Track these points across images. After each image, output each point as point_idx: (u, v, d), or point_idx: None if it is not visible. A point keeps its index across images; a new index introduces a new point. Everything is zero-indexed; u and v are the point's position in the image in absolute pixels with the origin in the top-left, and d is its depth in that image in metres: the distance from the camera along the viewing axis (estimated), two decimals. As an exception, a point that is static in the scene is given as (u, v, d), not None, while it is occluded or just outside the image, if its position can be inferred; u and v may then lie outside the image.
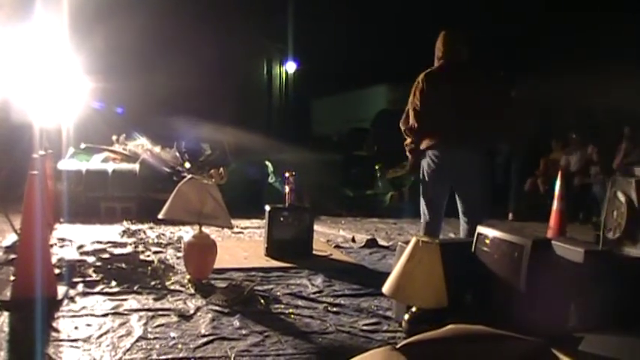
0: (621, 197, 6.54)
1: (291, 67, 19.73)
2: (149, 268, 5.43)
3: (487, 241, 4.00)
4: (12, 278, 4.55)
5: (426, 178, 5.55)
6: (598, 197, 9.54)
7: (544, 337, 2.02)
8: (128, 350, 3.55)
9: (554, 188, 8.22)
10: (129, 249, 6.25)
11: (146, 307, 4.41)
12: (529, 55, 14.77)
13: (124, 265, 5.46)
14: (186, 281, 5.09)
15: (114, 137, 10.58)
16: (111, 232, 7.30)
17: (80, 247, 6.21)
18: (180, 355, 3.52)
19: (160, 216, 5.27)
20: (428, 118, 5.44)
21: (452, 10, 15.11)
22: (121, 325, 3.99)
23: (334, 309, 4.56)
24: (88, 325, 3.97)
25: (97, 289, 4.80)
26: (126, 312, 4.27)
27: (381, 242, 7.49)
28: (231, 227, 6.47)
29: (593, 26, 12.96)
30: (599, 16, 13.05)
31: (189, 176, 6.08)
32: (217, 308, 4.41)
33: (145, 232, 7.36)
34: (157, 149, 10.09)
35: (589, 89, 11.86)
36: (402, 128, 5.65)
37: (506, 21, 14.48)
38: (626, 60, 11.43)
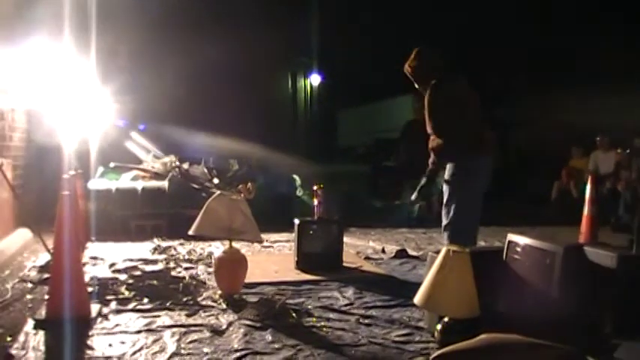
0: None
1: (315, 79, 19.78)
2: (181, 284, 5.45)
3: (518, 249, 3.97)
4: (46, 297, 4.61)
5: (477, 187, 5.47)
6: (629, 201, 9.44)
7: (579, 344, 2.00)
8: (162, 367, 3.57)
9: (585, 193, 8.15)
10: (160, 266, 6.29)
11: (179, 323, 4.42)
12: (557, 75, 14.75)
13: (155, 282, 5.49)
14: (217, 296, 5.11)
15: (141, 156, 10.70)
16: (142, 249, 7.36)
17: (112, 265, 6.27)
18: (214, 370, 3.53)
19: (190, 232, 5.30)
20: (472, 127, 5.43)
21: (473, 21, 15.06)
22: (155, 341, 4.02)
23: (366, 321, 4.55)
24: (122, 342, 4.00)
25: (130, 306, 4.83)
26: (159, 328, 4.29)
27: (411, 252, 7.46)
28: (260, 241, 6.49)
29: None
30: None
31: (218, 192, 6.11)
32: (249, 323, 4.42)
33: (175, 249, 7.40)
34: (185, 166, 10.17)
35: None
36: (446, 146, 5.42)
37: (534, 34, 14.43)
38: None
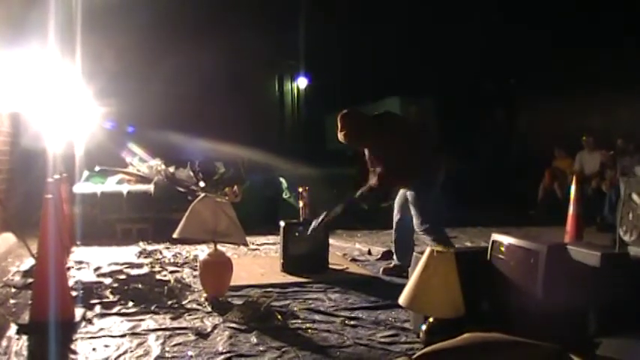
0: (636, 199, 6.50)
1: (302, 82, 19.75)
2: (166, 287, 5.43)
3: (502, 249, 3.97)
4: (30, 302, 4.57)
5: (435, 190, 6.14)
6: (614, 200, 9.48)
7: (561, 342, 2.00)
8: (146, 370, 3.55)
9: (569, 193, 8.18)
10: (145, 269, 6.26)
11: (163, 326, 4.41)
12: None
13: (140, 286, 5.46)
14: (202, 299, 5.10)
15: (128, 159, 10.65)
16: (127, 253, 7.32)
17: (97, 269, 6.22)
18: (198, 373, 3.52)
19: (175, 235, 5.28)
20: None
21: (460, 26, 15.08)
22: (139, 345, 4.00)
23: (351, 322, 4.55)
24: (106, 346, 3.98)
25: (114, 310, 4.81)
26: (143, 332, 4.27)
27: (397, 254, 7.45)
28: (245, 244, 6.46)
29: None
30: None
31: (202, 195, 6.09)
32: (234, 325, 4.41)
33: (161, 252, 7.37)
34: (171, 169, 10.13)
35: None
36: None
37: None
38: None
